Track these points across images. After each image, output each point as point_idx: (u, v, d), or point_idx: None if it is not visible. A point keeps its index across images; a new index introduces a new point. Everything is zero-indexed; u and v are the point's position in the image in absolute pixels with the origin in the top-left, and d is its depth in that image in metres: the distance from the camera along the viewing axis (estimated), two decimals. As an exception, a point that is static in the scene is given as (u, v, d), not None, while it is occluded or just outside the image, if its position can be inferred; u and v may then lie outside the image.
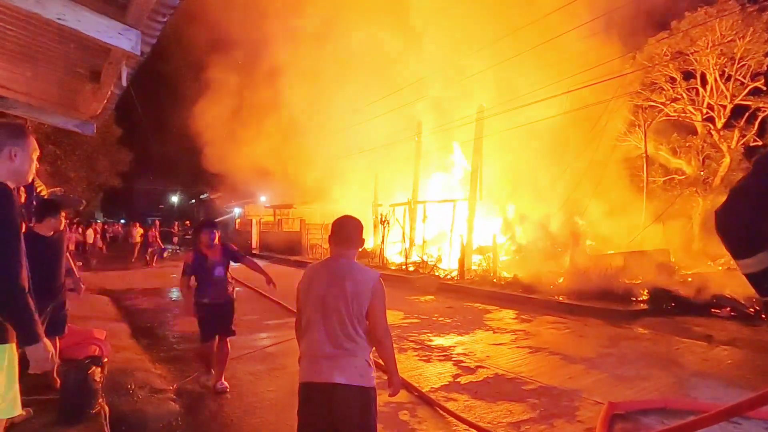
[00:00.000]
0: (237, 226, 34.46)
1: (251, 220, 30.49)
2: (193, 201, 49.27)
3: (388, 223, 19.10)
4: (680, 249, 15.15)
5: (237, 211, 36.55)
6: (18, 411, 2.11)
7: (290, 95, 24.55)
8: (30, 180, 2.37)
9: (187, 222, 42.77)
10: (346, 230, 2.59)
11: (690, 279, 10.98)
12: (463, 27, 18.86)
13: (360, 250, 2.73)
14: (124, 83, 2.50)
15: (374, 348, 2.49)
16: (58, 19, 1.83)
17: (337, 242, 2.58)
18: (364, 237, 2.70)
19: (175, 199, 53.47)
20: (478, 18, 18.89)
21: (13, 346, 2.06)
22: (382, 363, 2.58)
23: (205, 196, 44.94)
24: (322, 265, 2.59)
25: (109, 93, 2.94)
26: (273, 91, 25.28)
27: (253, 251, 28.29)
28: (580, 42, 17.85)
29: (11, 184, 2.14)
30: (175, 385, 5.29)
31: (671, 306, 9.34)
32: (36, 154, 2.28)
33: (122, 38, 2.01)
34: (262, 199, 32.19)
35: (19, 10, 1.97)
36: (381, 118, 20.17)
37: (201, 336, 5.04)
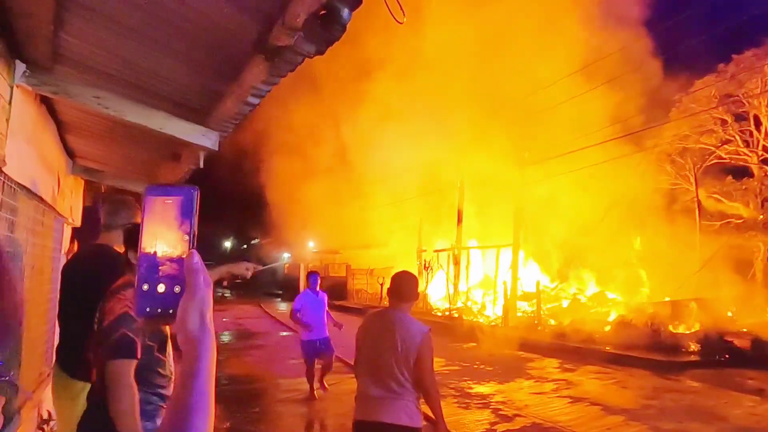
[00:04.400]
0: (285, 270, 35.48)
1: (299, 265, 31.39)
2: (245, 246, 51.14)
3: (431, 268, 19.30)
4: (739, 297, 14.45)
5: (286, 256, 37.68)
6: None
7: (337, 145, 25.76)
8: None
9: (239, 266, 44.32)
10: (402, 285, 2.87)
11: (747, 330, 10.52)
12: (506, 76, 19.44)
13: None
14: (201, 165, 3.09)
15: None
16: (161, 128, 2.41)
17: (394, 295, 2.86)
18: (418, 291, 2.99)
19: (228, 244, 55.68)
20: (518, 67, 19.45)
21: None
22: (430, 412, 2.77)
23: (255, 241, 46.68)
24: (378, 315, 2.90)
25: (186, 170, 3.57)
26: (321, 144, 26.64)
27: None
28: (624, 89, 18.02)
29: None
30: (227, 424, 5.71)
31: (725, 358, 9.00)
32: None
33: (204, 138, 2.58)
34: (310, 244, 33.18)
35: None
36: (426, 165, 20.80)
37: None
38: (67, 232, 4.52)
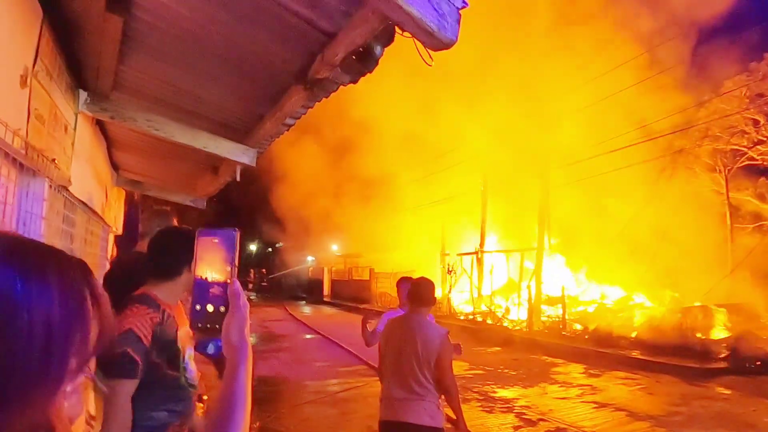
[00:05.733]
0: (309, 273, 35.92)
1: (323, 268, 31.75)
2: (270, 249, 51.84)
3: (454, 272, 19.32)
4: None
5: (309, 259, 38.12)
6: None
7: (361, 151, 26.04)
8: None
9: (263, 270, 45.04)
10: (420, 291, 3.03)
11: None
12: (529, 81, 19.37)
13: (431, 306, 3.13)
14: (237, 178, 3.29)
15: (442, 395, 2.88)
16: (204, 147, 2.61)
17: (413, 301, 3.03)
18: (435, 296, 3.14)
19: (253, 247, 56.53)
20: (543, 71, 19.36)
21: None
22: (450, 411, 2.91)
23: (280, 245, 47.31)
24: (399, 321, 3.06)
25: (222, 181, 3.78)
26: (345, 149, 26.94)
27: (325, 298, 29.32)
28: (650, 92, 17.75)
29: None
30: (258, 424, 5.92)
31: (756, 365, 8.82)
32: None
33: (244, 156, 2.77)
34: (334, 248, 33.53)
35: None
36: (448, 170, 20.87)
37: None
38: (111, 240, 4.80)
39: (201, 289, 0.97)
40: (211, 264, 0.98)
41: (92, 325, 0.58)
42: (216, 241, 0.98)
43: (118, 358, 1.74)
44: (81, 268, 0.61)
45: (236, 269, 0.98)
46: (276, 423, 6.15)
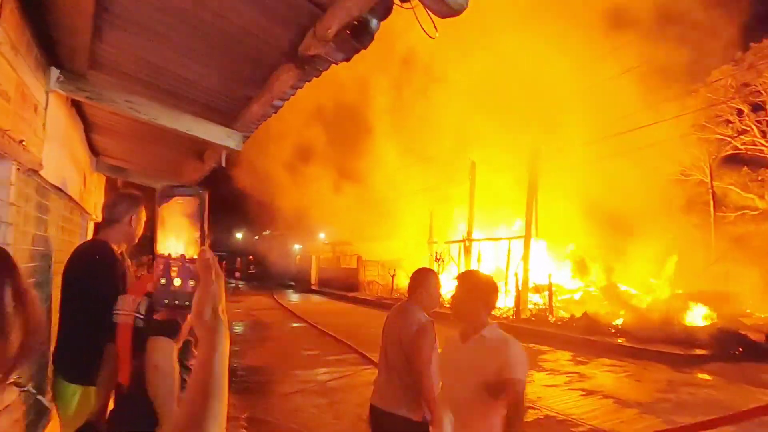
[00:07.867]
0: (297, 261, 35.75)
1: (311, 256, 31.61)
2: (257, 238, 51.51)
3: (442, 260, 19.33)
4: (755, 290, 14.29)
5: (297, 247, 37.94)
6: None
7: (349, 138, 25.82)
8: (136, 241, 2.60)
9: (251, 257, 44.78)
10: (412, 281, 3.02)
11: (762, 323, 10.45)
12: (518, 68, 19.29)
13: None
14: (223, 164, 3.16)
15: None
16: (188, 130, 2.48)
17: (408, 290, 3.03)
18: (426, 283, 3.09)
19: (239, 235, 56.08)
20: (532, 58, 19.28)
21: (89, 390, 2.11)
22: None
23: (267, 233, 47.03)
24: (393, 309, 3.07)
25: (208, 168, 3.65)
26: (331, 135, 26.68)
27: (313, 287, 29.22)
28: (637, 80, 17.78)
29: (118, 246, 2.44)
30: (246, 414, 5.84)
31: (739, 351, 8.97)
32: (144, 219, 2.53)
33: (229, 140, 2.65)
34: (321, 236, 33.38)
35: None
36: (437, 157, 20.80)
37: None
38: (91, 228, 4.64)
39: (165, 261, 0.80)
40: (177, 230, 0.80)
41: (14, 327, 0.46)
42: (180, 202, 0.80)
43: (167, 322, 1.68)
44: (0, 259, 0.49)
45: (206, 235, 0.81)
46: (265, 413, 6.07)
